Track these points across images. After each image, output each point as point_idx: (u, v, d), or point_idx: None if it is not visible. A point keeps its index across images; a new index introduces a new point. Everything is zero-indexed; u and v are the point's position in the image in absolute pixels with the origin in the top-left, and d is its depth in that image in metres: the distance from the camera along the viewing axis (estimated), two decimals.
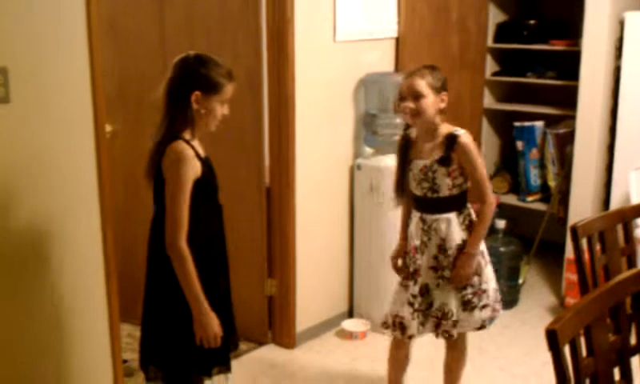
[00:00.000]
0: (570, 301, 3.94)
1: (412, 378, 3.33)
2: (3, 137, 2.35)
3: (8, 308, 2.45)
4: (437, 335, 2.76)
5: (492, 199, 2.68)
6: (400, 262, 2.84)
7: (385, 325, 2.85)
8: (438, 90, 2.60)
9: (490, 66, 4.84)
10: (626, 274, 1.89)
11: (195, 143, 2.32)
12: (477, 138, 4.74)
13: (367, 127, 3.77)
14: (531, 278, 4.52)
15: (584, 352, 1.70)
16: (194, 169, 2.25)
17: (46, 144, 2.47)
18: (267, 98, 3.48)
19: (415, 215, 2.75)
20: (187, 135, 2.30)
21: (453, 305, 2.69)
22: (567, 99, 4.38)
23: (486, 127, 4.93)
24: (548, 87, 4.64)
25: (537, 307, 4.19)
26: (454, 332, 2.72)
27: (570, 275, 3.96)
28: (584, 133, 4.04)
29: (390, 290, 3.76)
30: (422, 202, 2.71)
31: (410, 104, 2.58)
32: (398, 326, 2.77)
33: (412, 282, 2.74)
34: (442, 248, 2.67)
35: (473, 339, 3.71)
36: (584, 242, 2.33)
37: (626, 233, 2.48)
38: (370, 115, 3.74)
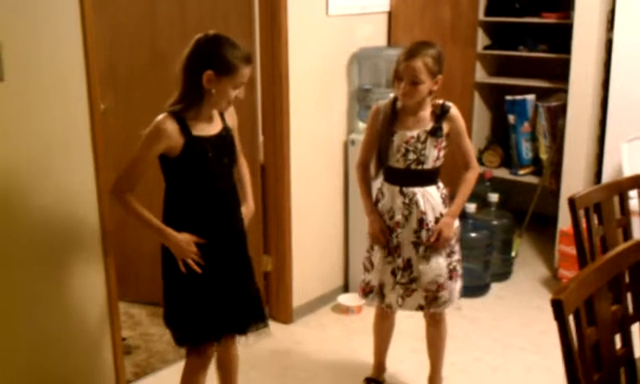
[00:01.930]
0: (564, 272, 3.98)
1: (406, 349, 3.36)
2: None
3: (5, 287, 2.43)
4: (428, 308, 2.77)
5: (477, 166, 2.76)
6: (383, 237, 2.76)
7: (364, 292, 2.85)
8: (435, 74, 2.61)
9: (482, 39, 4.84)
10: (627, 244, 1.91)
11: (197, 122, 2.32)
12: (468, 112, 4.75)
13: (361, 102, 3.76)
14: (524, 251, 4.56)
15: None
16: (164, 143, 2.28)
17: (41, 121, 2.45)
18: (260, 73, 3.46)
19: (392, 189, 2.72)
20: (192, 113, 2.31)
21: (445, 274, 2.72)
22: (559, 72, 4.39)
23: (477, 101, 4.94)
24: (539, 60, 4.65)
25: (529, 279, 4.23)
26: (447, 305, 2.76)
27: (563, 247, 3.99)
28: (576, 105, 4.06)
29: None
30: (404, 175, 2.68)
31: (407, 87, 2.58)
32: (377, 294, 2.81)
33: (395, 256, 2.75)
34: (423, 222, 2.69)
35: (467, 311, 3.77)
36: (581, 214, 2.34)
37: (622, 204, 2.50)
38: (363, 90, 3.73)
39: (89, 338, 2.74)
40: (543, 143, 4.53)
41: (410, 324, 3.28)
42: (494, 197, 4.13)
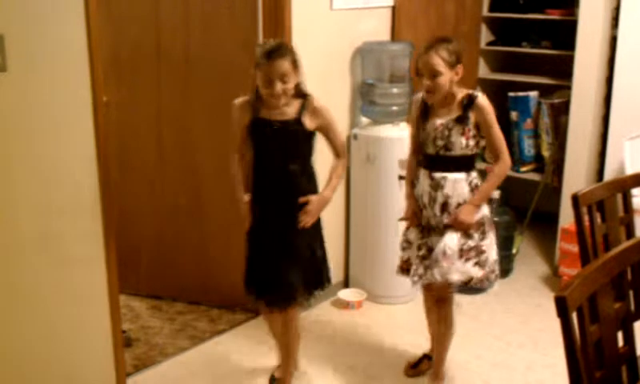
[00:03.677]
0: (564, 270, 3.98)
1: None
2: (0, 105, 2.31)
3: (5, 279, 2.43)
4: (433, 277, 2.81)
5: (507, 159, 2.79)
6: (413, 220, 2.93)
7: (401, 269, 3.00)
8: (453, 64, 2.69)
9: (485, 35, 4.83)
10: (630, 242, 1.90)
11: (264, 108, 2.68)
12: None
13: (364, 97, 3.75)
14: (524, 248, 4.55)
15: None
16: (236, 116, 2.76)
17: (44, 112, 2.44)
18: None
19: (423, 173, 2.85)
20: (260, 101, 2.68)
21: (454, 249, 2.76)
22: (562, 69, 4.38)
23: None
24: (543, 57, 4.64)
25: (530, 277, 4.23)
26: (452, 276, 2.78)
27: (564, 245, 3.99)
28: (579, 103, 4.04)
29: (387, 259, 3.79)
30: (433, 160, 2.81)
31: (428, 82, 2.70)
32: (404, 270, 2.96)
33: (426, 235, 2.87)
34: (446, 205, 2.78)
35: (468, 308, 3.77)
36: (584, 211, 2.34)
37: (625, 202, 2.49)
38: (366, 85, 3.72)
39: (89, 331, 2.73)
40: (545, 140, 4.52)
41: None
42: (495, 193, 4.11)
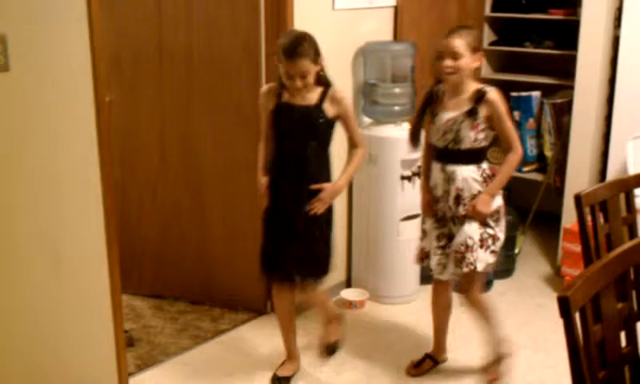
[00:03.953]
0: (567, 270, 3.97)
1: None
2: (3, 105, 2.31)
3: (8, 278, 2.43)
4: (460, 270, 2.87)
5: (519, 149, 2.85)
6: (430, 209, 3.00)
7: (419, 258, 3.09)
8: (475, 50, 2.77)
9: (488, 35, 4.82)
10: (633, 242, 1.90)
11: (287, 94, 2.81)
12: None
13: (366, 97, 3.75)
14: (526, 248, 4.55)
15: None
16: (263, 101, 2.89)
17: (46, 112, 2.44)
18: (265, 67, 3.45)
19: (436, 166, 2.92)
20: (279, 83, 2.82)
21: (476, 239, 2.83)
22: (565, 69, 4.37)
23: None
24: (545, 57, 4.63)
25: (532, 277, 4.22)
26: (471, 268, 2.85)
27: (566, 244, 3.98)
28: (582, 103, 4.04)
29: (389, 259, 3.80)
30: (444, 154, 2.87)
31: (449, 62, 2.75)
32: (421, 259, 3.06)
33: (441, 225, 2.94)
34: (459, 198, 2.85)
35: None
36: (587, 211, 2.33)
37: (627, 202, 2.49)
38: (368, 85, 3.72)
39: (91, 330, 2.73)
40: (548, 140, 4.51)
41: None
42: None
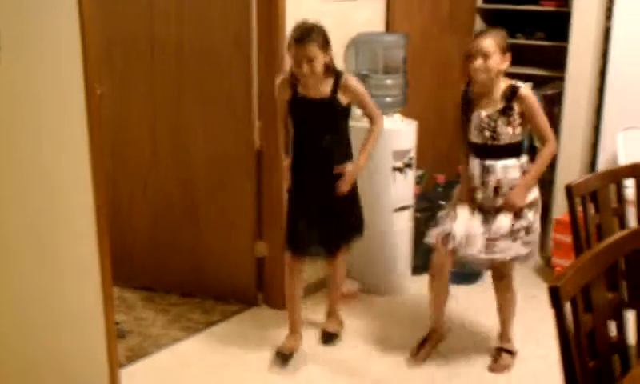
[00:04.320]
0: (557, 261, 3.99)
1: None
2: None
3: None
4: (491, 258, 2.98)
5: (553, 143, 2.97)
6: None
7: (442, 240, 3.07)
8: (504, 50, 2.86)
9: (479, 26, 4.81)
10: (623, 232, 1.91)
11: (301, 85, 2.96)
12: (459, 108, 4.74)
13: None
14: None
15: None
16: (278, 93, 3.07)
17: (37, 104, 2.42)
18: (257, 58, 3.44)
19: (474, 161, 3.01)
20: (291, 74, 2.97)
21: (506, 230, 2.93)
22: (556, 60, 4.37)
23: None
24: (537, 48, 4.63)
25: (522, 267, 4.18)
26: (502, 256, 2.96)
27: (557, 235, 4.00)
28: (572, 94, 4.05)
29: (381, 250, 3.81)
30: (482, 149, 2.97)
31: (480, 62, 2.84)
32: (446, 239, 3.05)
33: (478, 213, 3.01)
34: (498, 189, 2.93)
35: (461, 298, 3.78)
36: (577, 202, 2.34)
37: (618, 193, 2.50)
38: (360, 76, 3.70)
39: (82, 322, 2.72)
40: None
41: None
42: None
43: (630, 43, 3.79)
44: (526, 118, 2.89)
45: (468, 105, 2.98)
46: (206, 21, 3.45)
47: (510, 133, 2.89)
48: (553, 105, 4.38)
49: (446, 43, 4.49)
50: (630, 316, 2.00)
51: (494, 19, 4.86)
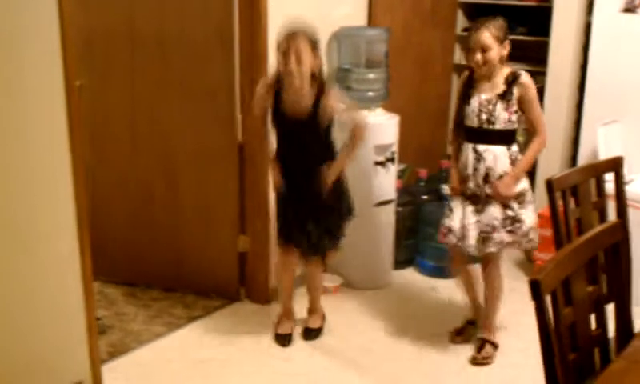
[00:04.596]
0: (538, 255, 4.01)
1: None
2: None
3: None
4: (486, 249, 3.05)
5: (545, 135, 3.00)
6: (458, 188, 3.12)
7: (443, 235, 3.17)
8: (502, 39, 2.92)
9: (461, 21, 4.83)
10: (603, 226, 1.93)
11: (284, 91, 2.95)
12: (447, 94, 4.75)
13: (340, 82, 3.73)
14: None
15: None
16: (261, 93, 3.05)
17: (15, 96, 2.39)
18: (239, 51, 3.42)
19: (468, 146, 3.03)
20: (277, 80, 2.97)
21: (500, 216, 2.99)
22: (537, 55, 4.40)
23: (456, 83, 4.93)
24: (518, 43, 4.63)
25: (504, 261, 4.16)
26: (498, 247, 3.05)
27: (538, 229, 4.01)
28: (554, 89, 4.08)
29: (362, 245, 3.81)
30: (477, 133, 3.00)
31: (479, 56, 2.90)
32: (446, 234, 3.14)
33: (470, 202, 3.05)
34: (488, 177, 2.97)
35: (443, 291, 3.79)
36: (558, 196, 2.36)
37: (598, 187, 2.52)
38: (342, 70, 3.71)
39: (62, 318, 2.70)
40: (520, 126, 4.54)
41: None
42: None
43: (610, 38, 3.82)
44: (523, 105, 2.93)
45: (469, 88, 3.02)
46: (188, 13, 3.42)
47: (505, 118, 2.92)
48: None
49: (427, 37, 4.50)
50: (609, 309, 2.02)
51: (475, 14, 4.87)
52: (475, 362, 3.18)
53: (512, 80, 2.93)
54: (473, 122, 2.99)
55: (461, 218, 3.08)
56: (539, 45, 4.32)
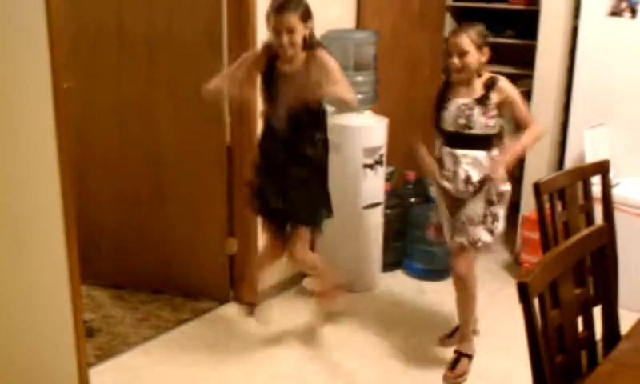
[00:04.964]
0: (525, 257, 4.04)
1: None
2: None
3: None
4: (461, 239, 3.00)
5: (540, 126, 3.01)
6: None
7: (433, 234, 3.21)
8: (480, 45, 2.87)
9: (449, 24, 4.85)
10: (590, 229, 1.94)
11: (279, 60, 2.89)
12: (435, 97, 4.76)
13: None
14: None
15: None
16: (251, 54, 3.03)
17: (2, 99, 2.37)
18: (227, 54, 3.41)
19: (445, 150, 3.01)
20: (268, 47, 2.93)
21: (480, 212, 2.96)
22: (525, 58, 4.42)
23: None
24: (506, 46, 4.68)
25: (491, 263, 4.27)
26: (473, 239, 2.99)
27: (525, 232, 4.05)
28: (541, 92, 4.10)
29: (351, 247, 3.81)
30: (455, 138, 2.96)
31: (456, 60, 2.86)
32: (439, 231, 3.15)
33: (446, 199, 3.05)
34: (469, 180, 2.94)
35: (430, 293, 3.81)
36: (545, 199, 2.37)
37: (585, 190, 2.53)
38: None
39: (49, 321, 2.68)
40: (507, 129, 4.56)
41: None
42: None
43: (597, 42, 3.85)
44: (505, 108, 2.91)
45: (445, 94, 2.98)
46: (176, 13, 3.41)
47: (483, 122, 2.89)
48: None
49: (416, 40, 4.51)
50: (596, 312, 2.03)
51: (463, 17, 4.89)
52: (446, 381, 3.08)
53: (490, 85, 2.90)
54: (450, 126, 2.96)
55: (442, 214, 3.11)
56: (527, 48, 4.35)
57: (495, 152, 2.97)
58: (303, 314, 3.62)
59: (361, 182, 3.73)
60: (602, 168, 2.60)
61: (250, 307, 3.37)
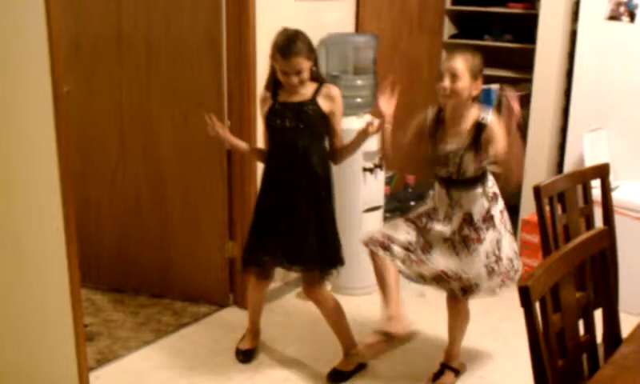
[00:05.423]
0: (526, 261, 4.03)
1: None
2: None
3: None
4: (466, 295, 2.90)
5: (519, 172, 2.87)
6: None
7: (367, 242, 2.93)
8: (475, 75, 2.70)
9: (448, 28, 4.86)
10: (591, 232, 1.94)
11: (283, 92, 2.87)
12: (434, 101, 4.77)
13: None
14: None
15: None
16: (260, 106, 2.98)
17: (3, 103, 2.37)
18: (226, 58, 3.42)
19: (440, 189, 2.87)
20: (273, 81, 2.90)
21: (483, 272, 2.81)
22: (523, 62, 4.43)
23: None
24: (505, 50, 4.69)
25: None
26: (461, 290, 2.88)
27: (525, 236, 4.05)
28: (540, 96, 4.11)
29: (351, 250, 3.80)
30: (447, 181, 2.84)
31: (447, 82, 2.68)
32: (380, 244, 2.87)
33: (418, 233, 2.87)
34: (469, 220, 2.81)
35: (430, 297, 3.80)
36: (545, 202, 2.38)
37: (585, 193, 2.54)
38: (331, 76, 3.71)
39: (50, 325, 2.68)
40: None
41: None
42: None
43: (596, 45, 3.86)
44: (487, 143, 2.73)
45: (437, 129, 2.83)
46: (175, 17, 3.42)
47: (474, 168, 2.77)
48: (520, 106, 4.43)
49: (415, 44, 4.52)
50: (597, 315, 2.03)
51: (462, 21, 4.91)
52: None
53: (478, 129, 2.71)
54: (440, 171, 2.83)
55: (396, 232, 2.90)
56: (525, 52, 4.35)
57: (490, 183, 2.86)
58: (303, 316, 3.61)
59: (361, 186, 3.73)
60: (602, 171, 2.60)
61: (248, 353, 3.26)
